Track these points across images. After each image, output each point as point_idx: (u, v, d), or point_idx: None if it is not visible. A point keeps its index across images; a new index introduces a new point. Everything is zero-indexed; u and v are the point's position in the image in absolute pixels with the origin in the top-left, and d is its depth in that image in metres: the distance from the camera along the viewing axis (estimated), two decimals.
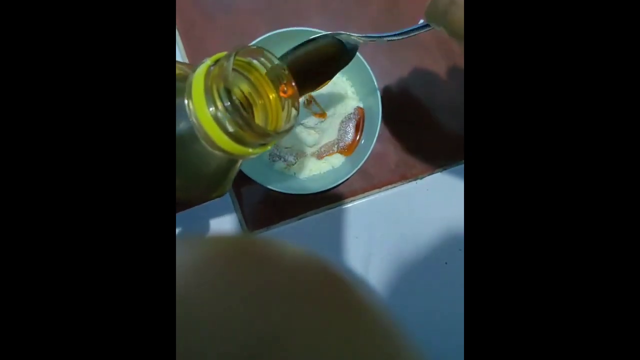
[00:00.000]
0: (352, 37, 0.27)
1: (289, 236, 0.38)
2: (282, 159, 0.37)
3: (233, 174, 0.22)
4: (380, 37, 0.26)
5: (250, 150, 0.20)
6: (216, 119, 0.19)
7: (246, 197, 0.38)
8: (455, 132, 0.39)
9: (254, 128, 0.19)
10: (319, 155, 0.38)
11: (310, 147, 0.38)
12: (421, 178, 0.39)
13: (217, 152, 0.20)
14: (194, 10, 0.38)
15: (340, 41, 0.27)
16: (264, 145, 0.21)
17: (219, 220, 0.38)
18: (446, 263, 0.38)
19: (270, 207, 0.38)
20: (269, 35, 0.33)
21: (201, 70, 0.19)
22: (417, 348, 0.12)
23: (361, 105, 0.38)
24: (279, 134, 0.20)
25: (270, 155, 0.37)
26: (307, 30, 0.33)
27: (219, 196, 0.22)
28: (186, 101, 0.19)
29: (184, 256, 0.12)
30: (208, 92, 0.19)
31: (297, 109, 0.23)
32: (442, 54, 0.40)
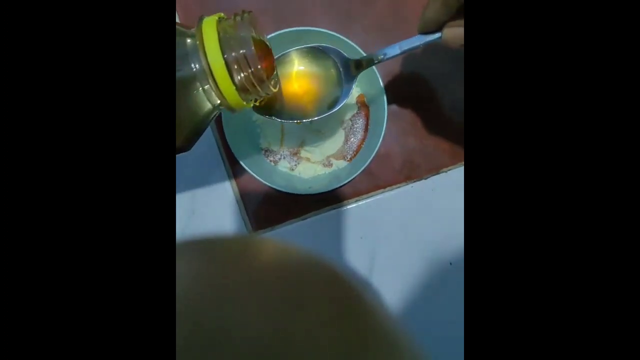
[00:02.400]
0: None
1: (293, 236, 0.38)
2: (285, 160, 0.37)
3: (203, 130, 0.24)
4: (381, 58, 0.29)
5: (245, 103, 0.23)
6: (227, 64, 0.21)
7: (250, 197, 0.38)
8: (460, 131, 0.39)
9: (260, 75, 0.21)
10: (327, 165, 0.38)
11: (316, 148, 0.38)
12: (426, 178, 0.39)
13: (210, 101, 0.22)
14: (199, 9, 0.39)
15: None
16: (254, 99, 0.24)
17: (223, 220, 0.38)
18: (451, 263, 0.38)
19: (274, 207, 0.38)
20: (273, 36, 0.33)
21: (211, 19, 0.21)
22: (421, 349, 0.12)
23: (360, 92, 0.38)
24: (270, 88, 0.23)
25: (272, 155, 0.37)
26: (313, 31, 0.33)
27: (183, 151, 0.23)
28: (189, 44, 0.21)
29: (187, 259, 0.12)
30: (226, 40, 0.21)
31: (277, 77, 0.26)
32: (448, 52, 0.39)
